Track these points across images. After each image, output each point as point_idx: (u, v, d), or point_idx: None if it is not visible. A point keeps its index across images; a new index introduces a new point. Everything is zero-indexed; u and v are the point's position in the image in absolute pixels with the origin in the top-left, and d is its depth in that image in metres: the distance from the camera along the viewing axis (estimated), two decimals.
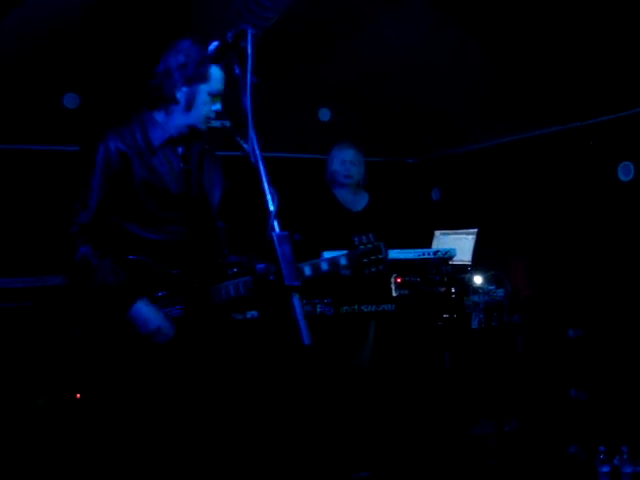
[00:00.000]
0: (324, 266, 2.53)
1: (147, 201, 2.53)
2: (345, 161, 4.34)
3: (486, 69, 4.57)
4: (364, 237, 2.58)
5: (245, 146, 2.52)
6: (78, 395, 4.19)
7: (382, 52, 4.68)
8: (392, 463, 3.84)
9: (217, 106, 2.58)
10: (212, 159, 2.77)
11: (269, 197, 1.65)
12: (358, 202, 4.43)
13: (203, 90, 2.52)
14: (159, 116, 2.59)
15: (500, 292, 4.27)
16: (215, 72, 2.52)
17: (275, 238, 1.59)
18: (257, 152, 1.66)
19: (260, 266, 1.64)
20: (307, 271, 2.50)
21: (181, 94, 2.52)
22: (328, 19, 4.40)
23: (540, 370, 4.36)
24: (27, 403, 4.05)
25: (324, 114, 5.50)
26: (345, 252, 2.56)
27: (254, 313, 3.38)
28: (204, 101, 2.54)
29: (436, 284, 3.97)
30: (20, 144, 4.87)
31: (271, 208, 1.64)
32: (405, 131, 5.64)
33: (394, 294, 4.14)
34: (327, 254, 3.60)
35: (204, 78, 2.50)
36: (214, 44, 2.00)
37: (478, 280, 4.27)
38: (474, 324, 4.15)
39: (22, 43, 4.09)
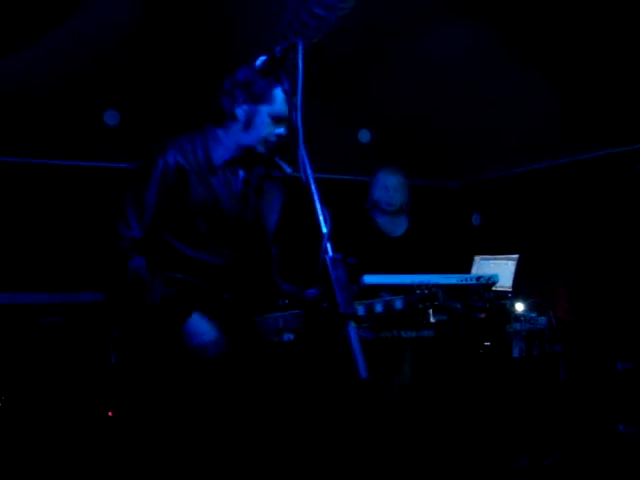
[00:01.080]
0: (378, 308, 2.48)
1: (200, 221, 2.48)
2: (388, 188, 4.25)
3: (530, 91, 4.46)
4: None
5: (285, 167, 2.48)
6: (110, 413, 4.20)
7: (425, 73, 4.62)
8: None
9: (280, 130, 2.50)
10: (274, 183, 2.70)
11: (321, 218, 1.56)
12: (398, 227, 4.34)
13: (264, 111, 2.46)
14: (221, 132, 2.55)
15: (542, 320, 4.14)
16: (279, 94, 2.45)
17: (329, 261, 1.49)
18: (308, 170, 1.58)
19: (310, 292, 1.53)
20: (360, 311, 2.44)
21: (241, 111, 2.47)
22: (368, 39, 4.36)
23: (584, 403, 4.21)
24: (58, 418, 4.02)
25: (364, 135, 5.44)
26: (401, 296, 2.53)
27: (290, 336, 3.31)
28: (264, 122, 2.47)
29: (477, 310, 3.87)
30: (62, 159, 4.90)
31: (324, 230, 1.55)
32: (446, 154, 5.56)
33: (431, 320, 4.05)
34: (367, 278, 3.55)
35: (266, 98, 2.44)
36: (261, 58, 1.95)
37: (519, 307, 4.15)
38: (515, 353, 4.02)
39: (66, 59, 4.12)
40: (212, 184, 2.49)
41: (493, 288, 4.16)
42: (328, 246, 1.54)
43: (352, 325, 1.43)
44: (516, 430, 4.14)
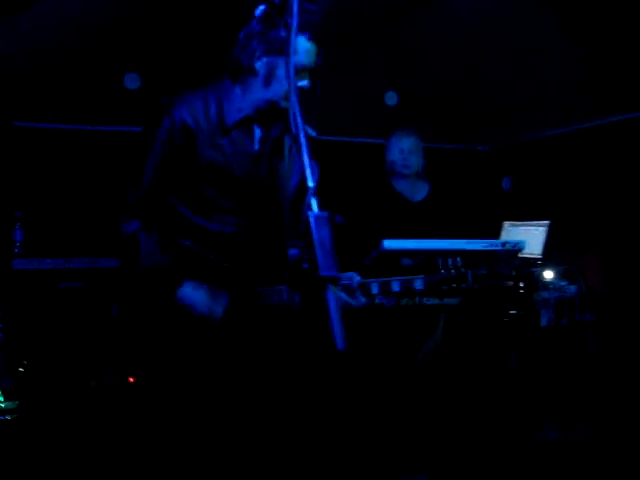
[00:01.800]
0: (395, 287, 2.33)
1: (207, 185, 2.35)
2: (403, 150, 4.11)
3: (564, 53, 4.28)
4: (450, 260, 2.30)
5: (309, 130, 2.34)
6: (131, 379, 4.19)
7: (454, 31, 4.45)
8: (448, 466, 3.63)
9: (303, 82, 2.29)
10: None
11: (308, 171, 1.44)
12: (418, 192, 4.19)
13: (283, 62, 2.23)
14: (238, 89, 2.37)
15: (572, 288, 4.01)
16: (302, 43, 2.25)
17: (312, 219, 1.37)
18: (299, 121, 1.46)
19: (293, 251, 1.42)
20: (374, 289, 2.33)
21: (260, 64, 2.28)
22: None
23: (615, 374, 4.07)
24: (80, 385, 4.02)
25: (391, 98, 5.29)
26: (422, 276, 2.30)
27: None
28: (285, 75, 2.25)
29: (504, 278, 3.75)
30: (83, 124, 4.85)
31: (310, 184, 1.42)
32: (476, 117, 5.39)
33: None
34: (387, 243, 3.44)
35: (288, 49, 2.27)
36: (260, 8, 1.81)
37: (549, 275, 4.02)
38: (543, 322, 3.90)
39: (81, 24, 4.05)
40: (223, 145, 2.35)
41: (522, 255, 4.03)
42: (313, 202, 1.41)
43: (332, 290, 1.32)
44: (543, 401, 4.03)
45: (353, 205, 4.04)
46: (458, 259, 2.29)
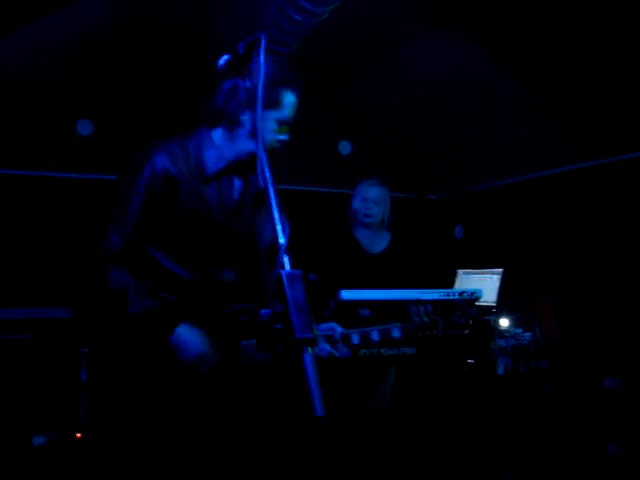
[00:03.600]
0: (375, 336, 2.40)
1: (188, 234, 2.29)
2: (367, 199, 4.11)
3: (514, 102, 4.37)
4: (421, 308, 2.43)
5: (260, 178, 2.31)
6: (79, 435, 4.03)
7: (404, 83, 4.53)
8: None
9: (284, 137, 2.29)
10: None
11: (279, 227, 1.40)
12: (378, 243, 4.17)
13: (271, 117, 2.24)
14: (217, 137, 2.34)
15: (527, 336, 4.03)
16: (289, 98, 2.25)
17: (285, 277, 1.30)
18: (267, 174, 1.43)
19: (264, 312, 1.34)
20: (355, 339, 2.37)
21: (246, 117, 2.23)
22: (350, 48, 4.27)
23: (571, 421, 4.08)
24: (26, 439, 3.85)
25: (345, 147, 5.34)
26: (399, 324, 2.41)
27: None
28: (270, 129, 2.25)
29: (460, 327, 3.74)
30: (33, 170, 4.73)
31: (281, 240, 1.37)
32: (428, 166, 5.46)
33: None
34: (345, 293, 3.42)
35: (275, 103, 2.22)
36: (225, 57, 1.78)
37: (504, 323, 4.04)
38: (500, 370, 3.90)
39: (35, 68, 3.99)
40: (204, 194, 2.30)
41: (477, 303, 4.04)
42: (285, 260, 1.35)
43: (309, 353, 1.25)
44: (501, 449, 4.01)
45: (312, 255, 4.01)
46: (429, 306, 2.42)
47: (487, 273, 4.58)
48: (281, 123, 2.26)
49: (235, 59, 1.70)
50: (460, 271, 4.82)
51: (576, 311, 4.47)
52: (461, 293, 3.71)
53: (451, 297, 3.67)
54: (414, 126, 4.99)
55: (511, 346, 3.93)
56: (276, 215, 1.41)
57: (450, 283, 4.79)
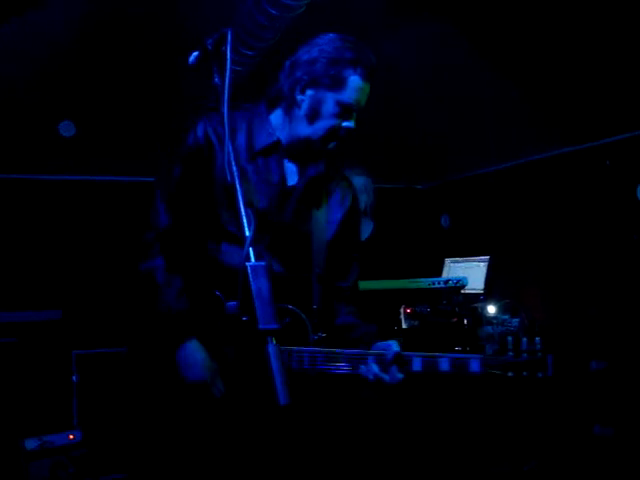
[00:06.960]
0: (444, 366, 2.01)
1: (222, 208, 2.09)
2: None
3: (496, 89, 4.38)
4: (524, 340, 1.99)
5: (353, 176, 2.11)
6: (71, 436, 4.04)
7: (389, 74, 4.51)
8: None
9: (349, 123, 2.11)
10: (343, 190, 2.32)
11: (245, 220, 1.39)
12: (362, 232, 4.21)
13: (331, 98, 2.06)
14: (274, 117, 2.19)
15: (515, 321, 4.05)
16: (354, 80, 2.05)
17: (250, 269, 1.30)
18: (234, 168, 1.43)
19: (231, 304, 1.34)
20: (416, 365, 2.01)
21: (304, 98, 2.08)
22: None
23: (560, 405, 4.10)
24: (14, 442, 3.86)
25: None
26: (479, 356, 2.00)
27: None
28: (330, 113, 2.07)
29: (448, 315, 3.76)
30: (16, 173, 4.74)
31: (247, 233, 1.37)
32: (413, 156, 5.47)
33: (404, 326, 3.95)
34: None
35: (335, 83, 2.04)
36: (194, 54, 1.76)
37: (492, 309, 4.05)
38: None
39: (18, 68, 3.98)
40: (246, 170, 2.12)
41: (465, 291, 4.06)
42: (250, 252, 1.34)
43: (272, 343, 1.24)
44: (492, 436, 4.03)
45: None
46: (537, 340, 2.03)
47: (474, 261, 4.59)
48: (344, 107, 2.07)
49: (204, 54, 1.69)
50: (448, 260, 4.84)
51: (562, 295, 4.50)
52: (446, 281, 3.74)
53: (437, 286, 3.70)
54: (399, 116, 4.99)
55: (499, 332, 3.94)
56: (242, 207, 1.41)
57: (438, 272, 4.80)
